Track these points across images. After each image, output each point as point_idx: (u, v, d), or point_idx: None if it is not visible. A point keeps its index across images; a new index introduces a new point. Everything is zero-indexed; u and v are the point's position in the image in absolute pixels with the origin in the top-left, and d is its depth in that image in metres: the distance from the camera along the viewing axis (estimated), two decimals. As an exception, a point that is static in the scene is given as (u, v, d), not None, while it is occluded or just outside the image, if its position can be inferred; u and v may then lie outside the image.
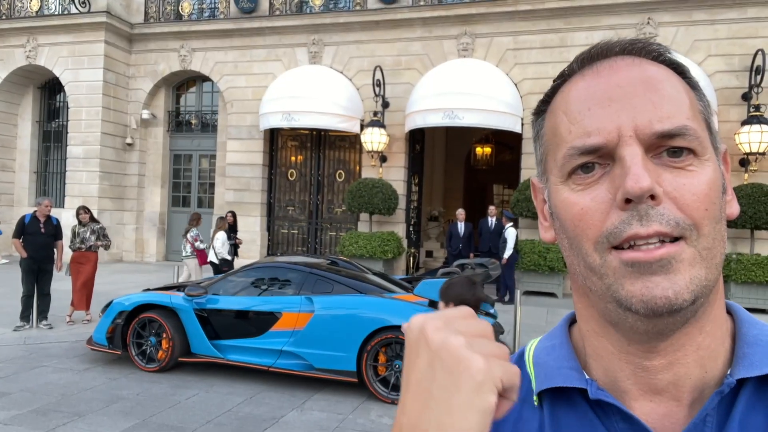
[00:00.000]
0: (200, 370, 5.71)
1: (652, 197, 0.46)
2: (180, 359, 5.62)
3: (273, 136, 13.43)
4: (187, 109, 14.66)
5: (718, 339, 0.51)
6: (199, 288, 5.77)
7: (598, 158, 0.49)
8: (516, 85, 11.41)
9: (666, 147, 0.48)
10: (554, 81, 0.55)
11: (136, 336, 5.76)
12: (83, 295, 7.43)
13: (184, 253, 8.71)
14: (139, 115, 14.05)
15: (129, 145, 14.16)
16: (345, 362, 5.08)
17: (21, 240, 7.18)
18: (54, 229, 7.37)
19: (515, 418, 0.56)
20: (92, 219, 7.82)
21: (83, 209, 7.79)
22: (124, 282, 10.32)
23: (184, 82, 14.47)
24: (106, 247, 7.83)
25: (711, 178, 0.48)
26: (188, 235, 8.64)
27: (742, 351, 0.50)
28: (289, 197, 13.55)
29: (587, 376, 0.53)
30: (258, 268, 6.03)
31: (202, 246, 8.62)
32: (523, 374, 0.59)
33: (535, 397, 0.55)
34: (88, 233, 7.60)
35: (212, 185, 14.07)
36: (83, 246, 7.53)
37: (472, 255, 10.43)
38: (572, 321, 0.60)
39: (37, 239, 7.18)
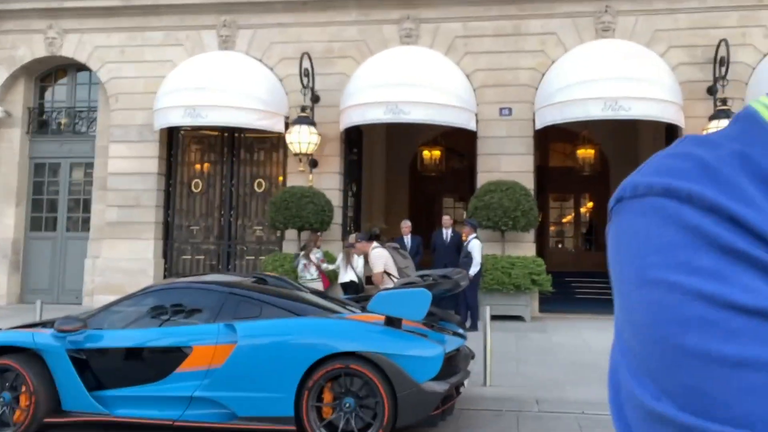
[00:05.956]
0: (75, 434, 4.99)
1: None
2: (46, 420, 5.07)
3: (172, 137, 12.79)
4: (56, 106, 13.74)
5: None
6: (75, 321, 5.20)
7: None
8: (468, 76, 11.52)
9: None
10: None
11: (-16, 393, 5.07)
12: None
13: (308, 277, 9.01)
14: (-10, 113, 12.82)
15: (-26, 151, 12.82)
16: (279, 406, 4.79)
17: None
18: None
19: None
20: None
21: None
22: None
23: (52, 71, 13.59)
24: None
25: None
26: (313, 257, 9.10)
27: None
28: (194, 214, 12.88)
29: None
30: (156, 292, 5.80)
31: (330, 268, 9.04)
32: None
33: None
34: None
35: (87, 202, 13.05)
36: None
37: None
38: None
39: None
